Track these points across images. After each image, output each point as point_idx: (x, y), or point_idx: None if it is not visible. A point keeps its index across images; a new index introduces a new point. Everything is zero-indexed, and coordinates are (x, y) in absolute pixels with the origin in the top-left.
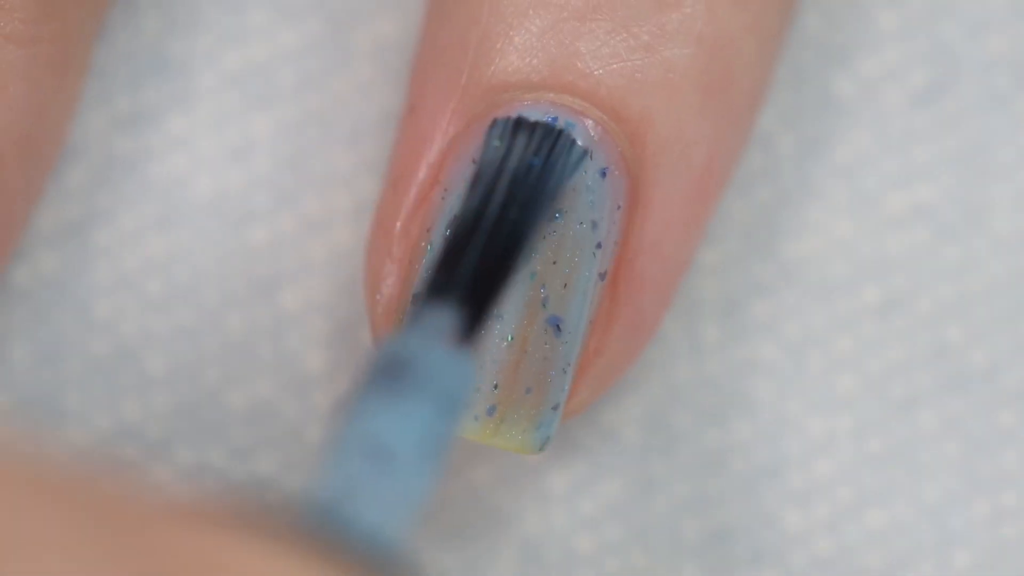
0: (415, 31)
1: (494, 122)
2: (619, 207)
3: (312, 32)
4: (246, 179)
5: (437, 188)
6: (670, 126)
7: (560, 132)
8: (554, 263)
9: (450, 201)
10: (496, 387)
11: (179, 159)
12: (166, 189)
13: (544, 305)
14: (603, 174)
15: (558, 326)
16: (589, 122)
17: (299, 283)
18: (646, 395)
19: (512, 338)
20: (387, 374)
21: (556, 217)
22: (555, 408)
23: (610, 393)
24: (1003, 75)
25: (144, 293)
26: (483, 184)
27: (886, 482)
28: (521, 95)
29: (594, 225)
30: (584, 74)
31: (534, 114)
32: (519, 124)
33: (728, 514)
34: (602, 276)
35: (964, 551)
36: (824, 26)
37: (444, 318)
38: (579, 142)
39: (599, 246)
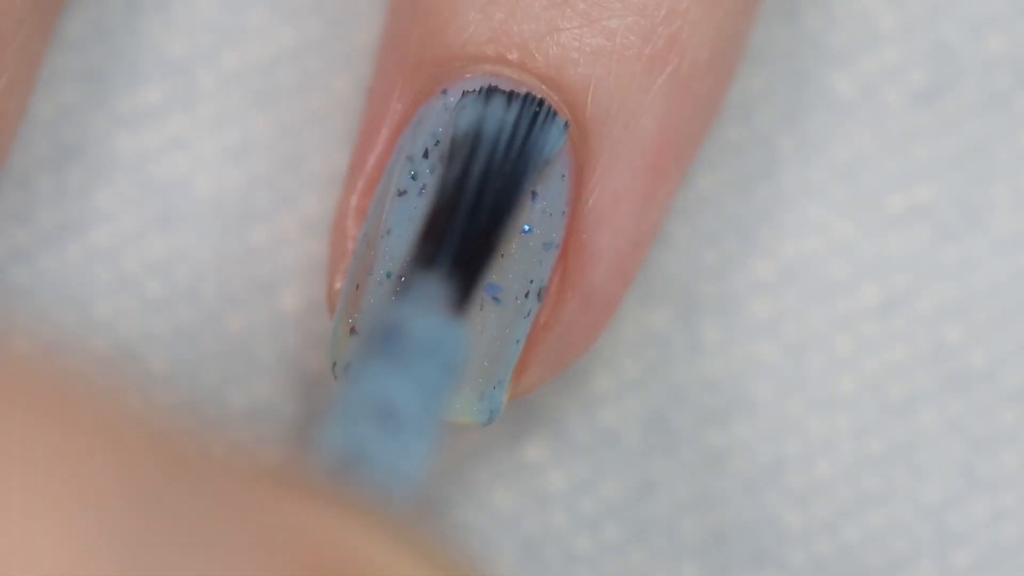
0: None
1: (465, 93)
2: (563, 176)
3: (312, 32)
4: (246, 179)
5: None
6: (610, 95)
7: (540, 101)
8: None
9: (392, 180)
10: None
11: (179, 159)
12: (166, 189)
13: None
14: None
15: (496, 297)
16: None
17: (299, 283)
18: (646, 395)
19: None
20: (389, 342)
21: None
22: (500, 382)
23: (610, 393)
24: (1003, 75)
25: (144, 293)
26: (461, 154)
27: (886, 482)
28: (461, 68)
29: (534, 194)
30: (520, 45)
31: (477, 86)
32: (492, 91)
33: (728, 514)
34: (547, 246)
35: (964, 551)
36: (824, 26)
37: (437, 288)
38: (560, 115)
39: (542, 215)
